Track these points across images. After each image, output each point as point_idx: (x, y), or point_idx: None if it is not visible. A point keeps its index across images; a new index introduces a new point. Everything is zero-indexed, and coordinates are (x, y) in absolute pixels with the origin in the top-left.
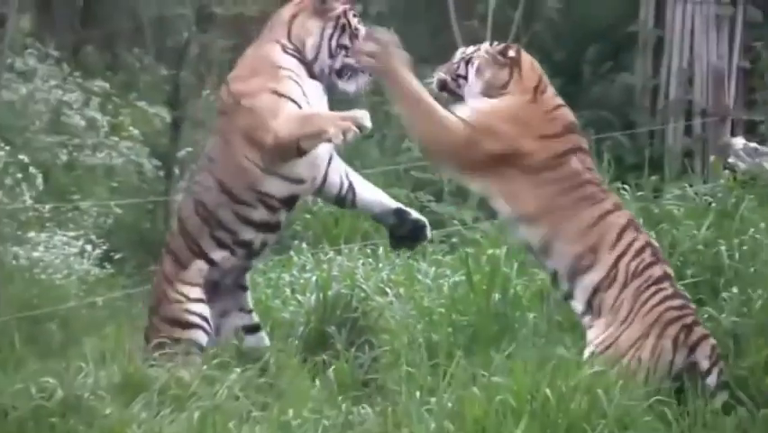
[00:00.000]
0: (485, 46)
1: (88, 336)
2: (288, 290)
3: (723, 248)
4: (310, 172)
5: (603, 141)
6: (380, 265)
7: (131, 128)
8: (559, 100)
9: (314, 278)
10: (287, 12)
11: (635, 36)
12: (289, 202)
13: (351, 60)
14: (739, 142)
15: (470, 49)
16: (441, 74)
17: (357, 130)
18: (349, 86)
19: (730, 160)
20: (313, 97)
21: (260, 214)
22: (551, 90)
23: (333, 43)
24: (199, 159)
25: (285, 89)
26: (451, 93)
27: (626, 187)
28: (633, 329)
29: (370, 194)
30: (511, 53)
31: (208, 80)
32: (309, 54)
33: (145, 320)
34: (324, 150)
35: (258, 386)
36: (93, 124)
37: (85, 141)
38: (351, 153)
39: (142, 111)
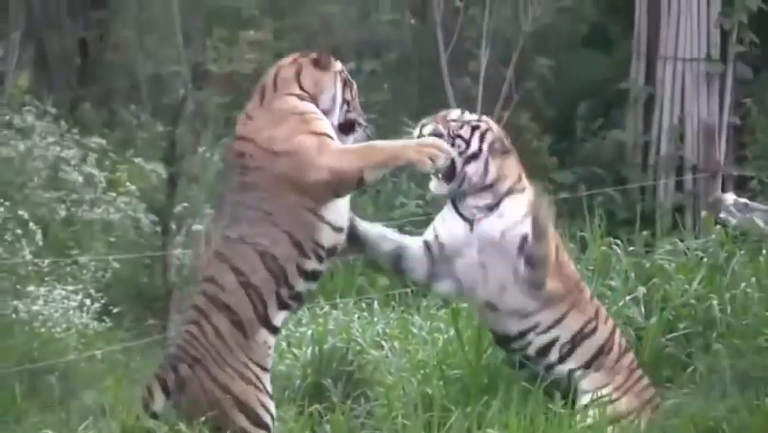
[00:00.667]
0: (489, 120)
1: (88, 389)
2: (284, 344)
3: (715, 302)
4: (346, 221)
5: (595, 196)
6: (375, 319)
7: (127, 184)
8: None
9: (309, 332)
10: (288, 70)
11: (625, 93)
12: (332, 252)
13: (353, 115)
14: (730, 197)
15: (469, 115)
16: (438, 126)
17: (444, 154)
18: (348, 140)
19: (721, 215)
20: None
21: (311, 264)
22: None
23: (341, 98)
24: (241, 213)
25: (318, 128)
26: None
27: (617, 242)
28: (631, 399)
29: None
30: (508, 144)
31: (204, 137)
32: (325, 105)
33: (162, 370)
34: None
35: None
36: (90, 179)
37: (82, 196)
38: None
39: (139, 167)
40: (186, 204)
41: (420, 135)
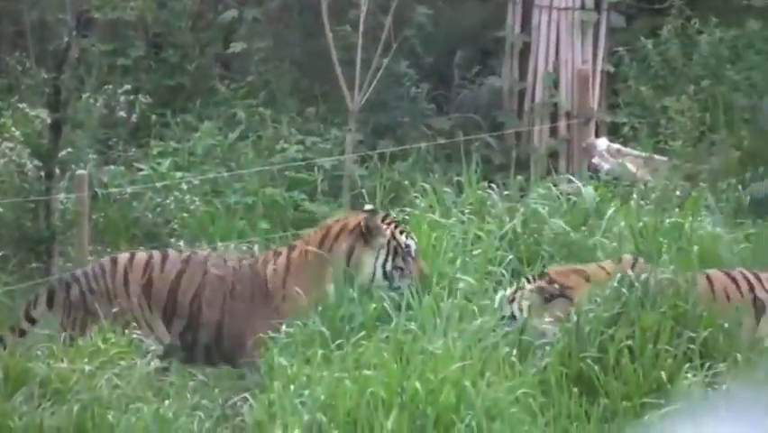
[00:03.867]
0: (524, 283)
1: None
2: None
3: (591, 242)
4: None
5: (472, 142)
6: None
7: (12, 129)
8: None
9: None
10: (346, 240)
11: (502, 41)
12: None
13: (406, 281)
14: (603, 143)
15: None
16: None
17: None
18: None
19: (594, 160)
20: None
21: None
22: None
23: (389, 267)
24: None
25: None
26: None
27: (493, 186)
28: None
29: None
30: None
31: (87, 83)
32: (363, 280)
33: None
34: None
35: (140, 379)
36: None
37: None
38: (227, 154)
39: (23, 113)
40: (70, 149)
41: None
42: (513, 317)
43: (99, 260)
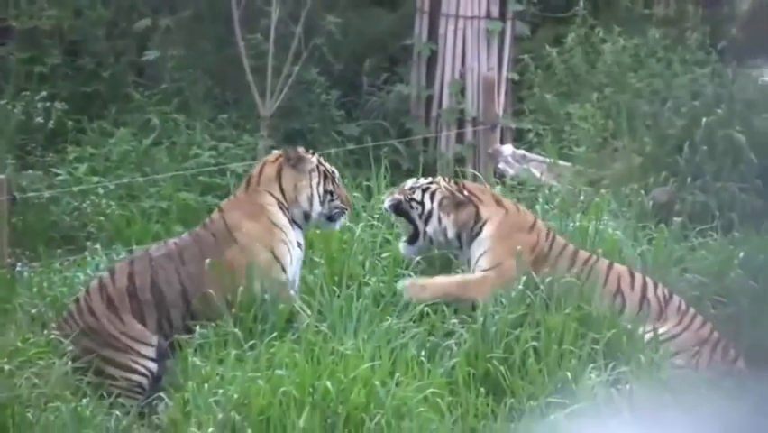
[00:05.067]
0: (439, 180)
1: None
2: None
3: None
4: None
5: (381, 148)
6: None
7: None
8: (514, 201)
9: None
10: (271, 168)
11: (410, 49)
12: None
13: (337, 203)
14: (508, 149)
15: (423, 180)
16: (396, 195)
17: None
18: (336, 225)
19: (500, 166)
20: (295, 253)
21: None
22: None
23: (321, 191)
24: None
25: (279, 253)
26: (403, 214)
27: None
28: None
29: None
30: (467, 192)
31: (5, 90)
32: (304, 205)
33: None
34: None
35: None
36: None
37: None
38: (141, 160)
39: None
40: None
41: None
42: (422, 203)
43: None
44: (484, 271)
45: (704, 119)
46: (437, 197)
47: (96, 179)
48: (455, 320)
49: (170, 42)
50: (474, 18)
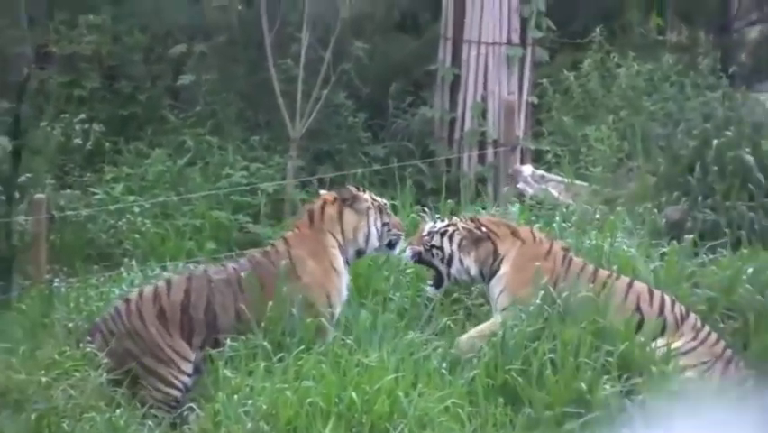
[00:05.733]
0: (456, 220)
1: None
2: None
3: None
4: None
5: (405, 168)
6: None
7: None
8: (529, 229)
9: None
10: (332, 209)
11: (434, 74)
12: None
13: (394, 231)
14: (528, 169)
15: (440, 223)
16: (415, 247)
17: None
18: (395, 251)
19: (519, 186)
20: (344, 296)
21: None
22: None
23: (379, 225)
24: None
25: (334, 299)
26: (425, 263)
27: (425, 209)
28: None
29: None
30: (483, 228)
31: (46, 113)
32: (360, 244)
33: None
34: None
35: (93, 390)
36: None
37: None
38: (176, 179)
39: None
40: (29, 174)
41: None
42: (441, 248)
43: (114, 303)
44: (504, 309)
45: (715, 141)
46: (456, 239)
47: (131, 198)
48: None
49: (204, 67)
50: (496, 44)
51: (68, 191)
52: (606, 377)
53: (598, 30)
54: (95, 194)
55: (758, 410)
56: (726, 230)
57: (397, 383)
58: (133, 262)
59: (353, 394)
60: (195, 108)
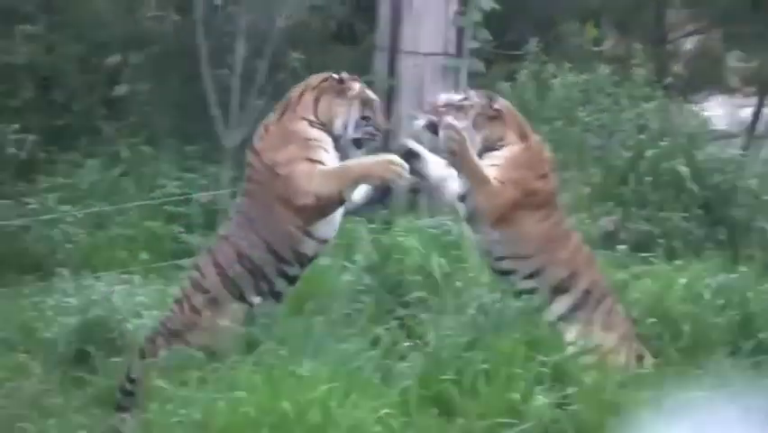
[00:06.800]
0: (472, 95)
1: None
2: (51, 313)
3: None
4: (333, 234)
5: None
6: (136, 291)
7: None
8: (539, 139)
9: (75, 302)
10: (309, 95)
11: (371, 84)
12: (313, 259)
13: (370, 129)
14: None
15: (456, 96)
16: (430, 117)
17: (406, 172)
18: (358, 153)
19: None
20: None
21: (294, 270)
22: (532, 132)
23: (358, 116)
24: (235, 215)
25: (317, 157)
26: (436, 133)
27: (358, 219)
28: (610, 338)
29: None
30: (497, 106)
31: None
32: (337, 131)
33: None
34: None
35: (25, 400)
36: None
37: None
38: (110, 189)
39: None
40: None
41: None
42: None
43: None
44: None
45: (649, 152)
46: (471, 114)
47: (66, 208)
48: (409, 343)
49: (139, 77)
50: (432, 55)
51: (2, 201)
52: (539, 387)
53: (533, 41)
54: (28, 204)
55: (692, 420)
56: (661, 240)
57: (330, 394)
58: (66, 272)
59: (286, 404)
60: (129, 119)
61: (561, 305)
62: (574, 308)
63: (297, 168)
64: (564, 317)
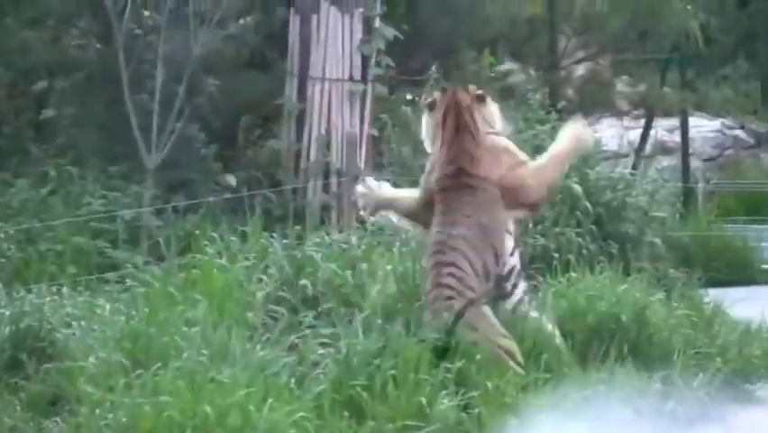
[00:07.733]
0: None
1: None
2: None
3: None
4: None
5: (254, 197)
6: (65, 302)
7: None
8: None
9: (7, 313)
10: (479, 112)
11: (281, 108)
12: None
13: None
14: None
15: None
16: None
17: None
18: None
19: (362, 213)
20: None
21: (497, 270)
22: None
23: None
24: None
25: (521, 156)
26: None
27: (273, 235)
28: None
29: None
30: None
31: None
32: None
33: None
34: None
35: None
36: None
37: None
38: (39, 207)
39: None
40: None
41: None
42: None
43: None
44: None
45: None
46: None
47: None
48: (322, 351)
49: (65, 102)
50: (339, 81)
51: None
52: (444, 392)
53: (433, 67)
54: None
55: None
56: (555, 254)
57: (249, 398)
58: None
59: (208, 408)
60: (56, 140)
61: None
62: None
63: (516, 173)
64: None
